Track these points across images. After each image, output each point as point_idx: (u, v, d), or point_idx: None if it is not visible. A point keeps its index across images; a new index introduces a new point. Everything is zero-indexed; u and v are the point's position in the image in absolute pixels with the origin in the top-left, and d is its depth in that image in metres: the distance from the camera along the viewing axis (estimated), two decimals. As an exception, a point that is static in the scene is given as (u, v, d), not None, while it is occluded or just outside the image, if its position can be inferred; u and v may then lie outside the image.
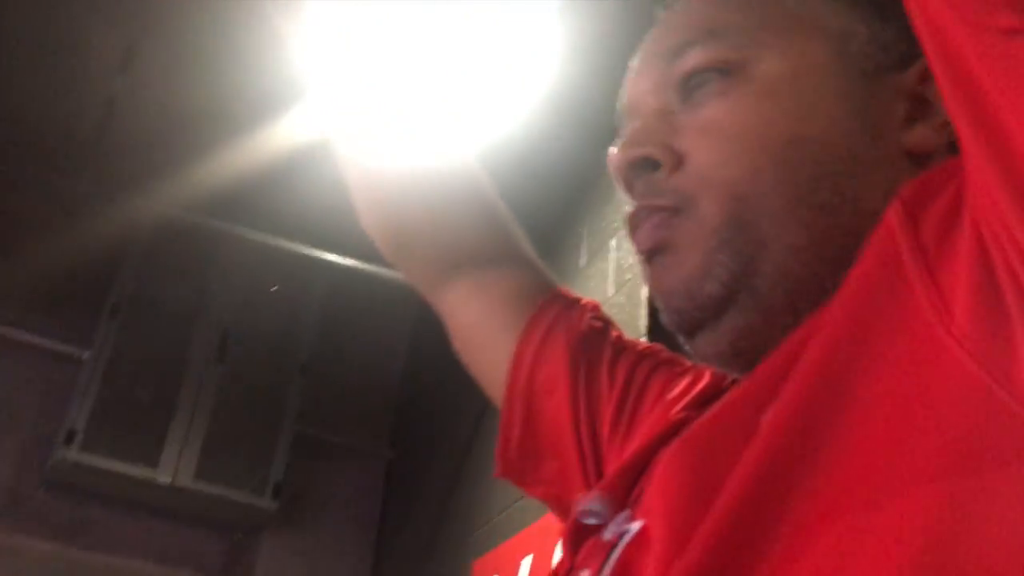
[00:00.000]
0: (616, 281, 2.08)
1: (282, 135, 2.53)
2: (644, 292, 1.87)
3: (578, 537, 0.57)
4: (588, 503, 0.58)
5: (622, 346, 0.77)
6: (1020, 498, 0.37)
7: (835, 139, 0.55)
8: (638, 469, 0.59)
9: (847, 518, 0.41)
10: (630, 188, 0.60)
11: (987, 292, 0.39)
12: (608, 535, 0.54)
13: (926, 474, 0.40)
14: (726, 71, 0.57)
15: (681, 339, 0.60)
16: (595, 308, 0.81)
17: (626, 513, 0.55)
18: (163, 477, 2.80)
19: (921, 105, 0.56)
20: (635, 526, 0.53)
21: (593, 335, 0.78)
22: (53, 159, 2.76)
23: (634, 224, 0.60)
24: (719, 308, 0.56)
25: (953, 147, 0.49)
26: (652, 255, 0.59)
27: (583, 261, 2.30)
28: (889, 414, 0.42)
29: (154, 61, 2.56)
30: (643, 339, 1.49)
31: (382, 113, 0.83)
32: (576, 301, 0.81)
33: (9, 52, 2.59)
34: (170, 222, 2.96)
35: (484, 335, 0.82)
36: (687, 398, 0.66)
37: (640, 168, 0.59)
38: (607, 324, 0.80)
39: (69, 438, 2.73)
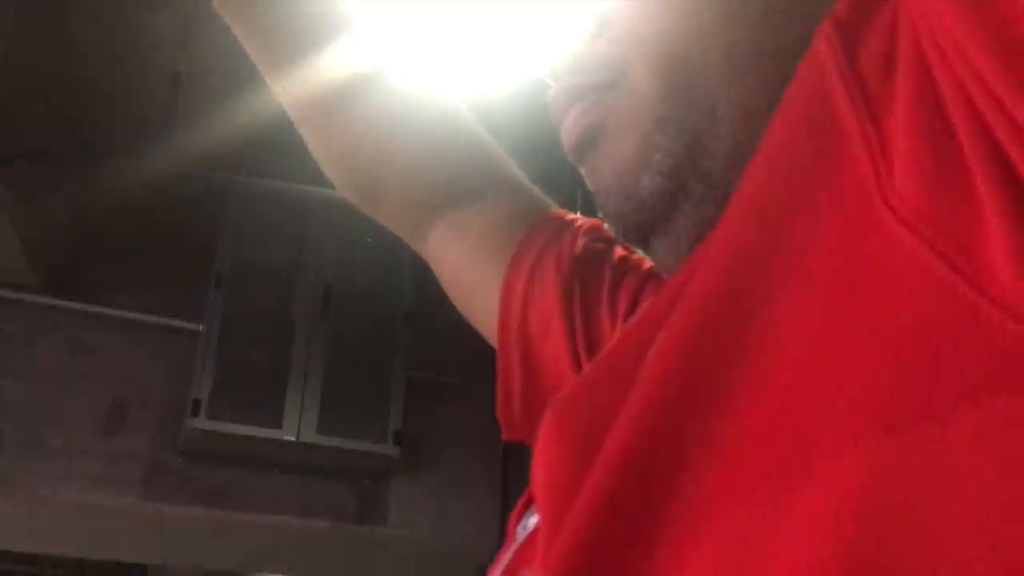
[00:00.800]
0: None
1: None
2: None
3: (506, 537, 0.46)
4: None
5: (625, 268, 0.63)
6: (990, 449, 0.24)
7: None
8: None
9: (746, 504, 0.29)
10: (556, 73, 0.48)
11: (935, 140, 0.27)
12: (519, 531, 0.44)
13: (849, 434, 0.27)
14: None
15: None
16: (594, 228, 0.67)
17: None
18: (288, 435, 2.89)
19: None
20: (531, 522, 0.42)
21: (590, 259, 0.64)
22: (135, 142, 2.82)
23: (558, 115, 0.47)
24: (666, 205, 0.43)
25: None
26: (583, 150, 0.46)
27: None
28: (806, 342, 0.29)
29: (213, 33, 2.58)
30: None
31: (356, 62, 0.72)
32: (569, 223, 0.68)
33: (77, 49, 2.64)
34: (260, 188, 3.01)
35: (471, 277, 0.70)
36: None
37: (564, 44, 0.47)
38: (610, 245, 0.66)
39: (195, 408, 2.84)
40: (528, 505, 0.44)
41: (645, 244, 0.47)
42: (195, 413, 2.83)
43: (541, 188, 0.74)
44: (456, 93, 0.74)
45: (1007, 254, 0.25)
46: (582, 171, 0.48)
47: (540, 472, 0.40)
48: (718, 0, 0.42)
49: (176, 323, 3.09)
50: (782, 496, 0.28)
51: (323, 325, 3.04)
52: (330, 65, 0.71)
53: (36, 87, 2.68)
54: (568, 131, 0.46)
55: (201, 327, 2.97)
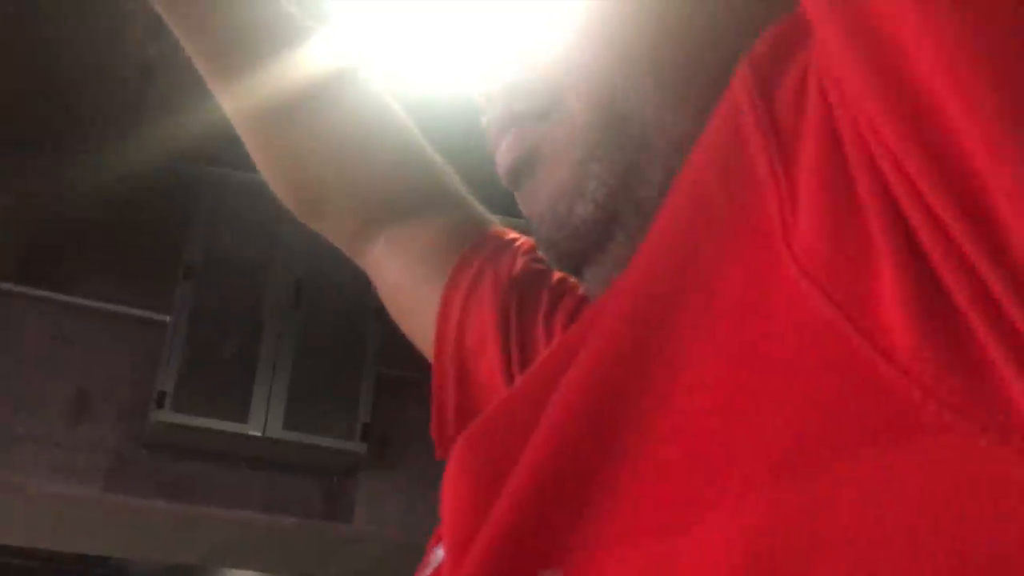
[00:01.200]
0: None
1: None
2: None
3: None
4: None
5: (563, 289, 0.63)
6: (875, 497, 0.24)
7: None
8: None
9: (652, 532, 0.29)
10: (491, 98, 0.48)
11: (836, 188, 0.27)
12: (431, 560, 0.43)
13: (743, 479, 0.27)
14: None
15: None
16: (535, 248, 0.65)
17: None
18: (254, 430, 2.87)
19: None
20: (439, 554, 0.41)
21: (528, 280, 0.64)
22: (106, 132, 2.79)
23: (494, 141, 0.47)
24: (599, 234, 0.43)
25: None
26: (517, 177, 0.46)
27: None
28: (710, 381, 0.29)
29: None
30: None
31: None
32: (510, 243, 0.68)
33: (48, 39, 2.61)
34: (231, 180, 2.99)
35: (410, 292, 0.70)
36: None
37: (497, 71, 0.47)
38: (549, 266, 0.62)
39: (160, 400, 2.81)
40: (439, 542, 0.44)
41: (578, 272, 0.47)
42: (160, 405, 2.81)
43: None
44: (444, 92, 0.73)
45: (900, 311, 0.25)
46: (517, 197, 0.48)
47: (447, 505, 0.39)
48: (650, 31, 0.42)
49: (145, 314, 3.06)
50: (685, 526, 0.28)
51: (292, 319, 3.03)
52: (281, 73, 0.70)
53: (6, 77, 2.64)
54: (502, 157, 0.46)
55: (169, 318, 2.95)
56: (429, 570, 0.42)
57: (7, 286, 2.96)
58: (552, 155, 0.44)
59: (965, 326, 0.24)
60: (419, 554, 0.46)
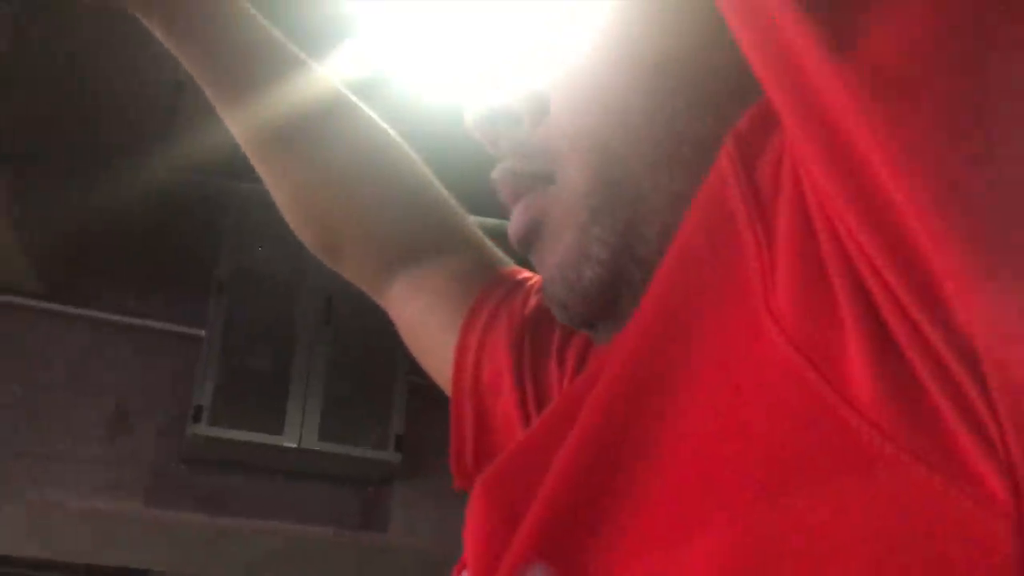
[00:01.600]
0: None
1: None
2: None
3: None
4: None
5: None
6: (840, 521, 0.28)
7: (715, 46, 0.43)
8: None
9: (645, 560, 0.33)
10: (495, 145, 0.50)
11: (807, 261, 0.31)
12: None
13: (726, 503, 0.31)
14: None
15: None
16: None
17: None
18: (289, 442, 2.89)
19: None
20: None
21: (540, 318, 0.65)
22: (138, 147, 2.83)
23: (504, 201, 0.50)
24: (609, 292, 0.46)
25: None
26: (527, 244, 0.49)
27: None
28: (701, 424, 0.33)
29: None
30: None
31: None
32: (522, 282, 0.70)
33: (81, 54, 2.65)
34: (261, 195, 3.02)
35: (428, 333, 0.72)
36: None
37: (501, 121, 0.49)
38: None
39: (197, 414, 2.84)
40: (463, 568, 0.47)
41: (593, 330, 0.49)
42: (197, 419, 2.84)
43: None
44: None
45: (862, 366, 0.28)
46: (531, 259, 0.50)
47: (470, 541, 0.42)
48: (643, 95, 0.44)
49: (179, 329, 3.10)
50: (684, 540, 0.32)
51: (325, 331, 3.05)
52: (278, 100, 0.71)
53: (39, 91, 2.68)
54: (512, 225, 0.49)
55: (204, 333, 2.98)
56: None
57: (41, 304, 3.01)
58: (556, 223, 0.47)
59: (920, 383, 0.27)
60: (453, 563, 0.48)
